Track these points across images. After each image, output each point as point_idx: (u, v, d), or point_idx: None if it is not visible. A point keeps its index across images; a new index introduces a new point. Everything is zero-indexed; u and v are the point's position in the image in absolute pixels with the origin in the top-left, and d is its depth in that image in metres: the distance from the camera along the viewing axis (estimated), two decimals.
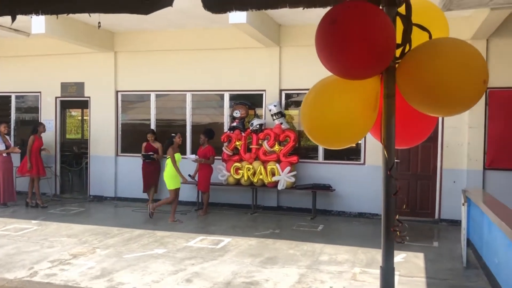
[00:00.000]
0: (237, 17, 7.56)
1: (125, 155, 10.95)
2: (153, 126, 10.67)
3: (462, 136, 8.79)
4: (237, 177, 9.55)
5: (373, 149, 9.24)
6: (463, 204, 6.75)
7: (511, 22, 8.23)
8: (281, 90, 9.85)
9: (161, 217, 9.16)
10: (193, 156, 9.57)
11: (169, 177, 8.65)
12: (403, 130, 2.12)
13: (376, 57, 1.82)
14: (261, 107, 10.07)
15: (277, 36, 9.59)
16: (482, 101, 8.60)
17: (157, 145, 10.10)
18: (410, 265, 6.37)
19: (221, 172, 9.71)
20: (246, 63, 10.00)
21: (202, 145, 9.52)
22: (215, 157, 9.49)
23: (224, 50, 10.11)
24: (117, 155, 11.01)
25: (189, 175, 9.36)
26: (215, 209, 9.87)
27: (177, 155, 8.76)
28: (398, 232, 2.24)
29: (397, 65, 2.02)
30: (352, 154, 9.62)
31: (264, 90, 9.94)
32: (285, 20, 9.31)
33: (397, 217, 2.19)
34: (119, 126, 11.06)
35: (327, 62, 1.89)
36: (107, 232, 7.91)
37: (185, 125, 10.53)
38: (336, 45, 1.82)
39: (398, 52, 2.02)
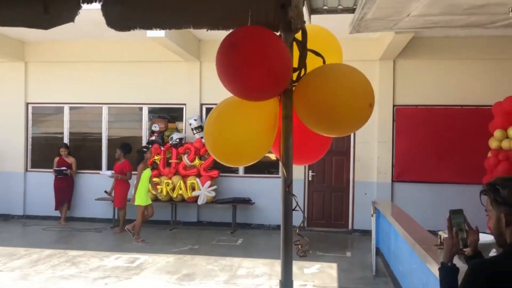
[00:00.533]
0: (155, 31, 7.50)
1: (35, 171, 10.34)
2: (66, 140, 10.20)
3: (372, 151, 9.32)
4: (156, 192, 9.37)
5: None
6: (372, 215, 7.14)
7: (414, 45, 8.90)
8: (201, 104, 9.86)
9: (74, 234, 8.73)
10: (109, 172, 9.26)
11: (139, 193, 8.20)
12: (301, 148, 2.23)
13: (273, 80, 1.91)
14: (182, 121, 10.01)
15: (197, 51, 9.63)
16: (390, 117, 9.21)
17: (70, 159, 9.67)
18: (324, 275, 6.60)
19: None
20: (166, 77, 9.91)
21: (118, 160, 9.24)
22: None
23: (143, 63, 9.96)
24: (26, 170, 10.37)
25: (105, 192, 9.04)
26: None
27: (148, 171, 8.40)
28: (300, 246, 2.34)
29: (294, 88, 2.12)
30: (272, 167, 9.83)
31: (185, 104, 9.90)
32: (205, 35, 9.37)
33: (297, 231, 2.28)
34: (29, 140, 10.45)
35: (228, 84, 1.95)
36: (13, 253, 7.39)
37: (100, 139, 10.18)
38: (235, 68, 1.89)
39: (295, 76, 2.13)
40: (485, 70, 8.98)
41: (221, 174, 9.47)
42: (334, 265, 7.09)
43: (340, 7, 7.43)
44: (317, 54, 2.14)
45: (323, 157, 9.80)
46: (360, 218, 9.24)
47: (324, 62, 2.16)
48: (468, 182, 8.71)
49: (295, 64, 2.11)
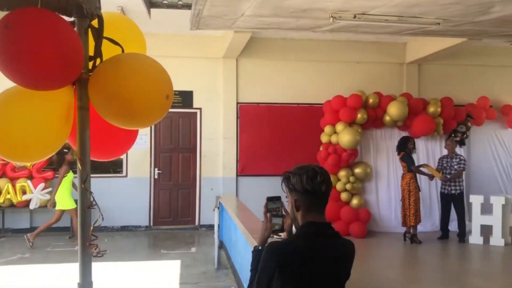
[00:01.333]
0: None
1: None
2: None
3: (218, 147, 9.50)
4: None
5: (136, 161, 9.23)
6: (214, 210, 7.28)
7: (254, 45, 9.29)
8: None
9: None
10: None
11: (63, 197, 7.70)
12: (101, 142, 2.11)
13: (58, 67, 1.75)
14: None
15: None
16: (234, 114, 9.49)
17: None
18: (166, 273, 6.52)
19: None
20: None
21: None
22: None
23: None
24: None
25: None
26: None
27: (70, 175, 7.78)
28: (95, 247, 2.21)
29: (89, 78, 1.99)
30: (117, 166, 9.42)
31: None
32: None
33: (91, 231, 2.15)
34: None
35: (5, 70, 1.74)
36: None
37: None
38: (10, 52, 1.69)
39: (91, 65, 2.00)
40: (317, 71, 9.77)
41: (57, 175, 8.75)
42: (178, 262, 7.06)
43: (180, 2, 7.42)
44: (114, 42, 2.04)
45: (170, 154, 9.71)
46: (206, 213, 9.34)
47: (122, 51, 2.07)
48: None
49: (92, 52, 1.98)
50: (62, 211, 7.88)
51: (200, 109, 9.49)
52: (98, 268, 6.64)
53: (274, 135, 9.56)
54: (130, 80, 1.85)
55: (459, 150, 9.07)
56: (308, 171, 1.96)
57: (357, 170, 8.92)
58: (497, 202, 7.90)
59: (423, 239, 8.11)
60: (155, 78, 1.92)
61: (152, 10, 7.48)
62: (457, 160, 8.24)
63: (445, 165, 8.36)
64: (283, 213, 2.19)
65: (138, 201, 9.24)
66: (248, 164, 9.46)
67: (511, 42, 9.35)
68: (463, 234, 8.14)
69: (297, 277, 1.88)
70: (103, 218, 2.18)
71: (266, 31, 8.58)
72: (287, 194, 2.09)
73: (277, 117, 9.60)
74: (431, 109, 8.93)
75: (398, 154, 8.24)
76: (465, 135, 9.34)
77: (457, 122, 9.21)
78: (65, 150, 7.92)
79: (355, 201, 8.77)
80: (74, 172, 8.04)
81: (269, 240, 2.08)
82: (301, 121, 9.63)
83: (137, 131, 2.31)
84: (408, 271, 6.86)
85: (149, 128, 9.29)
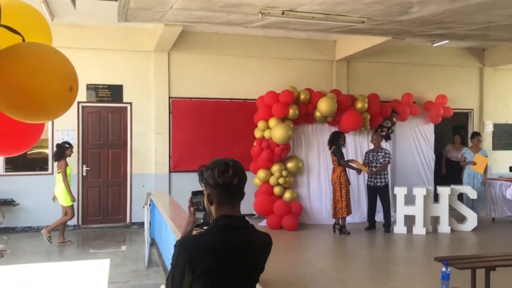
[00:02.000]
0: None
1: None
2: None
3: (149, 142, 9.30)
4: None
5: None
6: (144, 207, 7.14)
7: (187, 39, 9.19)
8: None
9: None
10: None
11: (64, 193, 7.62)
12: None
13: None
14: None
15: None
16: (166, 109, 9.32)
17: None
18: (94, 273, 6.31)
19: None
20: None
21: None
22: None
23: None
24: None
25: None
26: None
27: (69, 169, 7.78)
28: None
29: None
30: (42, 163, 8.98)
31: None
32: None
33: None
34: None
35: None
36: None
37: None
38: None
39: None
40: (251, 67, 9.83)
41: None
42: (107, 261, 6.85)
43: None
44: (13, 31, 1.92)
45: (99, 151, 9.36)
46: (138, 211, 9.09)
47: (23, 40, 1.95)
48: None
49: None
50: (72, 205, 7.80)
51: (130, 103, 9.23)
52: (22, 269, 6.33)
53: (208, 130, 9.51)
54: (29, 71, 1.75)
55: (385, 144, 9.48)
56: (220, 164, 1.95)
57: (290, 165, 9.08)
58: (419, 193, 8.34)
59: (352, 230, 8.41)
60: (58, 69, 1.83)
61: (78, 1, 7.18)
62: (383, 153, 8.61)
63: (371, 158, 8.71)
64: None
65: None
66: (181, 160, 9.35)
67: (433, 41, 9.93)
68: (388, 225, 8.53)
69: (207, 271, 1.87)
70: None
71: (198, 25, 8.50)
72: (204, 188, 2.08)
73: (211, 112, 9.55)
74: (359, 105, 9.27)
75: (330, 148, 8.47)
76: (390, 130, 9.77)
77: (383, 118, 9.62)
78: (66, 145, 7.83)
79: (287, 195, 8.93)
80: None
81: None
82: (235, 116, 9.65)
83: (42, 125, 2.19)
84: (337, 261, 7.09)
85: (76, 123, 8.93)
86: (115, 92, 9.10)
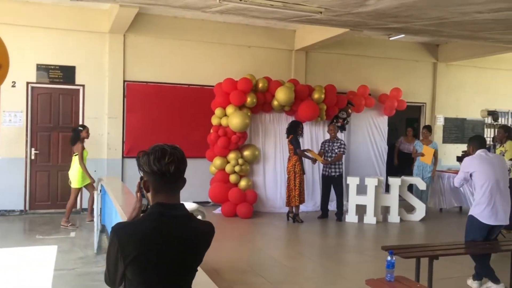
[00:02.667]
0: None
1: None
2: None
3: (102, 127, 9.03)
4: None
5: (9, 141, 8.47)
6: (94, 192, 6.94)
7: (144, 21, 8.95)
8: None
9: None
10: None
11: (78, 175, 7.77)
12: None
13: None
14: None
15: None
16: (120, 93, 9.08)
17: None
18: (39, 260, 6.10)
19: None
20: None
21: None
22: None
23: None
24: None
25: None
26: None
27: (85, 152, 7.82)
28: None
29: None
30: None
31: None
32: None
33: None
34: None
35: None
36: None
37: None
38: None
39: None
40: (209, 53, 9.69)
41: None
42: (54, 248, 6.63)
43: None
44: None
45: (49, 134, 9.05)
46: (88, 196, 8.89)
47: None
48: (194, 156, 9.29)
49: None
50: (79, 189, 8.02)
51: (83, 86, 8.91)
52: None
53: (164, 116, 9.33)
54: None
55: (340, 135, 9.63)
56: (157, 151, 1.88)
57: (246, 153, 9.08)
58: (371, 183, 8.54)
59: (305, 218, 8.52)
60: None
61: None
62: (338, 144, 8.74)
63: (327, 148, 8.83)
64: None
65: (11, 184, 8.49)
66: (135, 146, 9.13)
67: (389, 35, 10.11)
68: (340, 214, 8.70)
69: (137, 258, 1.81)
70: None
71: (155, 8, 8.30)
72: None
73: (168, 98, 9.38)
74: (316, 95, 9.35)
75: (287, 136, 8.50)
76: (346, 121, 9.93)
77: (339, 109, 9.76)
78: (80, 128, 7.89)
79: (243, 183, 8.94)
80: None
81: None
82: (192, 102, 9.51)
83: None
84: (289, 249, 7.17)
85: (24, 104, 8.55)
86: (67, 73, 8.76)
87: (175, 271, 1.91)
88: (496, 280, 5.03)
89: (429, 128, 9.93)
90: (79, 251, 6.60)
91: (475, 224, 5.02)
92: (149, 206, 2.03)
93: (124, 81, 9.09)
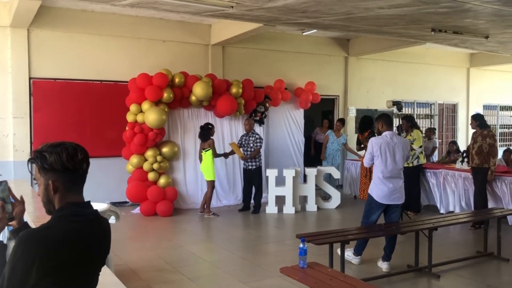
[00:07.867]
0: None
1: None
2: None
3: (7, 127, 8.45)
4: None
5: None
6: None
7: (50, 14, 8.46)
8: None
9: None
10: None
11: (210, 169, 8.33)
12: None
13: None
14: None
15: None
16: (26, 91, 8.53)
17: None
18: None
19: None
20: None
21: None
22: None
23: None
24: None
25: None
26: None
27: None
28: None
29: None
30: None
31: None
32: None
33: None
34: None
35: None
36: None
37: None
38: None
39: None
40: (122, 47, 9.38)
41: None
42: None
43: None
44: None
45: None
46: None
47: None
48: (109, 155, 9.04)
49: None
50: (214, 181, 8.54)
51: None
52: None
53: (76, 114, 8.91)
54: None
55: (259, 129, 9.78)
56: (68, 148, 1.80)
57: (165, 150, 8.93)
58: (289, 174, 8.77)
59: (227, 212, 8.58)
60: None
61: None
62: (253, 138, 8.85)
63: (243, 142, 8.92)
64: (12, 199, 2.03)
65: None
66: None
67: (302, 30, 10.40)
68: (258, 206, 8.86)
69: (60, 265, 1.70)
70: None
71: (61, 0, 7.86)
72: (37, 176, 1.88)
73: (78, 95, 8.96)
74: (234, 90, 9.40)
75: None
76: (264, 115, 10.09)
77: (256, 103, 9.89)
78: (209, 126, 8.48)
79: (162, 180, 8.78)
80: None
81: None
82: (105, 99, 9.16)
83: None
84: (208, 243, 7.17)
85: None
86: None
87: (93, 271, 1.89)
88: (358, 253, 5.59)
89: (342, 121, 10.42)
90: None
91: (373, 203, 5.40)
92: (55, 209, 1.91)
93: (30, 78, 8.55)
